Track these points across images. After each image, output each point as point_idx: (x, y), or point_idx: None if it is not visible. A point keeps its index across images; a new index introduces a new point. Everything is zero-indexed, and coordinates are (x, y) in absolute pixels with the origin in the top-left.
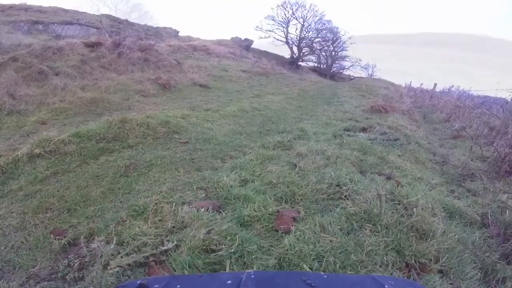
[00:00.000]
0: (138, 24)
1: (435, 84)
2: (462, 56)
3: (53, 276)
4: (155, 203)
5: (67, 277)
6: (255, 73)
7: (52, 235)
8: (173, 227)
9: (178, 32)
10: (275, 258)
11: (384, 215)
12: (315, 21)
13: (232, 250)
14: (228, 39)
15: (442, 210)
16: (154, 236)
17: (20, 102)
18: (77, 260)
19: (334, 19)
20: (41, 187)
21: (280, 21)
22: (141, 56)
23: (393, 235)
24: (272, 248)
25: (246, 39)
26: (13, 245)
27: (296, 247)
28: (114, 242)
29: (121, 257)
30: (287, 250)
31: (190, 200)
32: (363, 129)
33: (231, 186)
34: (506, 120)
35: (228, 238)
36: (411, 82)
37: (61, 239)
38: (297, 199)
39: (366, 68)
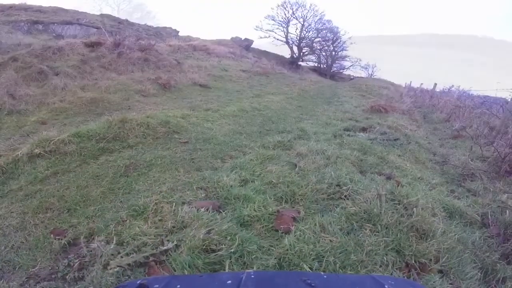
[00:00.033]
0: (138, 24)
1: (435, 84)
2: (463, 57)
3: (53, 276)
4: (155, 203)
5: (67, 277)
6: (255, 73)
7: (52, 235)
8: (173, 227)
9: (178, 32)
10: (275, 258)
11: (384, 215)
12: (315, 21)
13: (232, 250)
14: (228, 39)
15: (442, 210)
16: (154, 236)
17: (20, 102)
18: (77, 260)
19: (334, 19)
20: (41, 187)
21: (280, 21)
22: (141, 56)
23: (393, 235)
24: (272, 248)
25: (246, 39)
26: (13, 245)
27: (296, 247)
28: (114, 242)
29: (121, 257)
30: (287, 250)
31: (190, 200)
32: (363, 129)
33: (231, 186)
34: (506, 120)
35: (228, 238)
36: (411, 82)
37: (61, 239)
38: (297, 199)
39: (366, 68)
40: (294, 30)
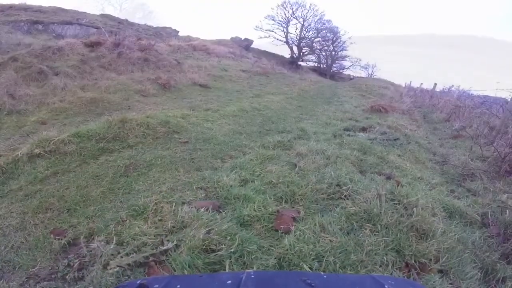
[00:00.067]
0: (138, 24)
1: (435, 84)
2: (463, 57)
3: (53, 276)
4: (155, 203)
5: (67, 277)
6: (255, 73)
7: (52, 235)
8: (173, 227)
9: (178, 32)
10: (275, 258)
11: (384, 215)
12: (315, 20)
13: (232, 250)
14: (228, 39)
15: (442, 210)
16: (154, 236)
17: (20, 102)
18: (77, 260)
19: (334, 19)
20: (41, 187)
21: (280, 21)
22: (141, 56)
23: (393, 235)
24: (272, 248)
25: (246, 39)
26: (13, 245)
27: (296, 247)
28: (114, 242)
29: (121, 257)
30: (287, 250)
31: (190, 200)
32: (363, 129)
33: (231, 186)
34: (506, 119)
35: (228, 238)
36: (411, 82)
37: (61, 239)
38: (297, 199)
39: (366, 68)
40: (294, 30)
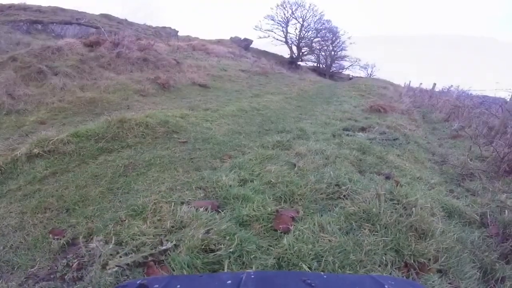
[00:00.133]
0: (138, 23)
1: (434, 84)
2: (463, 57)
3: (51, 276)
4: (154, 202)
5: (65, 277)
6: (254, 73)
7: (51, 235)
8: (172, 226)
9: (177, 31)
10: (274, 258)
11: (383, 214)
12: (315, 20)
13: (231, 250)
14: (227, 38)
15: (441, 210)
16: (153, 236)
17: (19, 102)
18: (75, 260)
19: (334, 19)
20: (40, 187)
21: (280, 21)
22: (140, 55)
23: (392, 234)
24: (271, 247)
25: (245, 39)
26: (12, 245)
27: (295, 246)
28: (113, 242)
29: (120, 257)
30: (286, 249)
31: (189, 199)
32: (362, 129)
33: (230, 186)
34: (505, 119)
35: (227, 237)
36: (410, 82)
37: (60, 239)
38: (296, 198)
39: (365, 68)
40: (293, 30)
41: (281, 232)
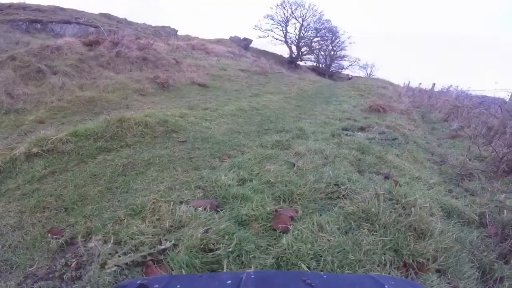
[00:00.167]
0: (137, 23)
1: (434, 84)
2: (462, 57)
3: (50, 276)
4: (153, 202)
5: (64, 276)
6: (254, 73)
7: (49, 234)
8: (171, 226)
9: (177, 31)
10: (273, 258)
11: (382, 214)
12: (314, 20)
13: (230, 250)
14: (227, 38)
15: (440, 210)
16: (152, 235)
17: (18, 101)
18: (74, 260)
19: (333, 18)
20: (39, 186)
21: (279, 20)
22: (139, 55)
23: (391, 234)
24: (270, 247)
25: (245, 38)
26: (11, 244)
27: (294, 246)
28: (112, 241)
29: (119, 256)
30: (285, 249)
31: (188, 199)
32: (362, 129)
33: (229, 185)
34: (504, 120)
35: (226, 237)
36: (409, 81)
37: (59, 238)
38: (295, 198)
39: (365, 67)
40: (293, 30)
41: (280, 232)
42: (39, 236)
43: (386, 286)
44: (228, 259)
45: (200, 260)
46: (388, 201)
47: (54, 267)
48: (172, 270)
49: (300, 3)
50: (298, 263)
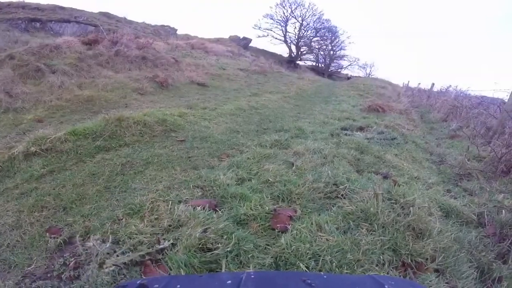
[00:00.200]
0: (136, 22)
1: (433, 84)
2: (461, 56)
3: (48, 275)
4: (151, 201)
5: (62, 276)
6: (253, 72)
7: (47, 234)
8: (169, 225)
9: (176, 30)
10: (271, 257)
11: (380, 214)
12: (314, 20)
13: (228, 249)
14: (226, 37)
15: (438, 210)
16: (150, 234)
17: (17, 100)
18: (72, 259)
19: (333, 18)
20: (37, 185)
21: (279, 20)
22: (138, 54)
23: (390, 234)
24: (268, 247)
25: (244, 38)
26: (9, 243)
27: (293, 246)
28: (110, 240)
29: (117, 256)
30: (284, 249)
31: (187, 198)
32: (360, 128)
33: (228, 185)
34: (503, 120)
35: (225, 237)
36: (408, 81)
37: (57, 238)
38: (294, 198)
39: (364, 67)
40: (292, 29)
41: (279, 231)
42: (37, 235)
43: (386, 286)
44: (226, 258)
45: (199, 260)
46: (386, 200)
47: (52, 266)
48: (171, 269)
49: (300, 2)
50: (297, 263)
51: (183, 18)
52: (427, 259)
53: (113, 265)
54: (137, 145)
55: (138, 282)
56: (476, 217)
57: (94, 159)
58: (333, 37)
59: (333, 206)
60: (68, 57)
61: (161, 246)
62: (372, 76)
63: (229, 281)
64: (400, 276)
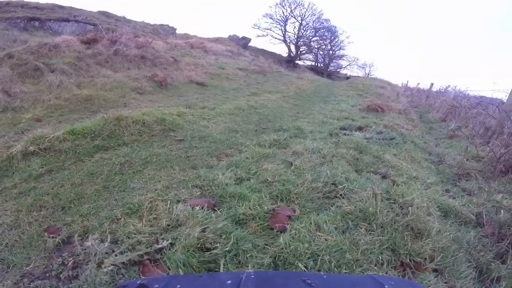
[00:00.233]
0: (136, 21)
1: (432, 84)
2: (461, 56)
3: (47, 275)
4: (150, 201)
5: (61, 275)
6: (252, 71)
7: (46, 233)
8: (168, 225)
9: (175, 29)
10: (270, 257)
11: (379, 214)
12: (313, 19)
13: (227, 249)
14: (225, 37)
15: (437, 209)
16: (149, 234)
17: (15, 99)
18: (71, 259)
19: (333, 18)
20: (35, 184)
21: (278, 19)
22: (137, 53)
23: (389, 234)
24: (267, 246)
25: (243, 37)
26: (7, 243)
27: (291, 245)
28: (109, 240)
29: (116, 255)
30: (282, 248)
31: (185, 198)
32: (359, 128)
33: (227, 184)
34: (502, 120)
35: (223, 236)
36: (408, 81)
37: (55, 237)
38: (293, 197)
39: (363, 67)
40: (292, 29)
41: (278, 231)
42: (35, 235)
43: (386, 286)
44: (225, 258)
45: (197, 260)
46: (385, 200)
47: (51, 266)
48: (169, 269)
49: (299, 2)
50: (296, 263)
51: (182, 17)
52: (425, 259)
53: (112, 264)
54: (135, 145)
55: (138, 282)
56: (475, 217)
57: (93, 158)
58: (332, 37)
59: (331, 206)
60: (67, 56)
61: (160, 246)
62: (371, 76)
63: (229, 281)
64: (399, 275)
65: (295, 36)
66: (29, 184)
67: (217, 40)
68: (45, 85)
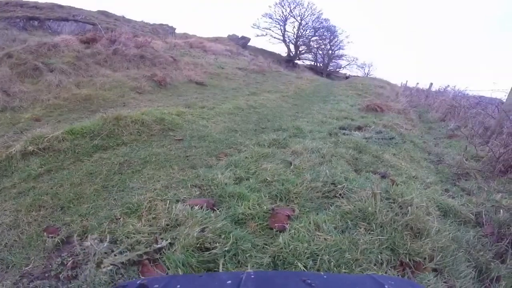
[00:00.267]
0: (135, 20)
1: (431, 84)
2: (461, 56)
3: (46, 275)
4: (149, 200)
5: (60, 275)
6: (252, 71)
7: (45, 233)
8: (167, 225)
9: (174, 29)
10: (269, 257)
11: (379, 213)
12: (313, 19)
13: (226, 249)
14: (225, 36)
15: (436, 209)
16: (148, 234)
17: (14, 99)
18: (70, 259)
19: (332, 17)
20: (35, 184)
21: (278, 19)
22: (137, 53)
23: (388, 233)
24: (266, 246)
25: (243, 37)
26: (6, 243)
27: (291, 245)
28: (108, 240)
29: (115, 255)
30: (282, 248)
31: (184, 197)
32: (359, 128)
33: (226, 184)
34: (501, 120)
35: (222, 236)
36: (407, 81)
37: (54, 237)
38: (292, 197)
39: (363, 67)
40: (291, 29)
41: (277, 231)
42: (35, 235)
43: (386, 286)
44: (224, 258)
45: (196, 259)
46: (384, 200)
47: (50, 266)
48: (168, 269)
49: (298, 1)
50: (295, 262)
51: (181, 17)
52: (425, 258)
53: (111, 264)
54: (135, 144)
55: (138, 282)
56: (474, 216)
57: (92, 158)
58: (331, 37)
59: (331, 206)
60: (66, 56)
61: (159, 246)
62: (371, 76)
63: (229, 281)
64: (398, 275)
65: (295, 36)
66: (28, 184)
67: (216, 39)
68: (44, 84)
